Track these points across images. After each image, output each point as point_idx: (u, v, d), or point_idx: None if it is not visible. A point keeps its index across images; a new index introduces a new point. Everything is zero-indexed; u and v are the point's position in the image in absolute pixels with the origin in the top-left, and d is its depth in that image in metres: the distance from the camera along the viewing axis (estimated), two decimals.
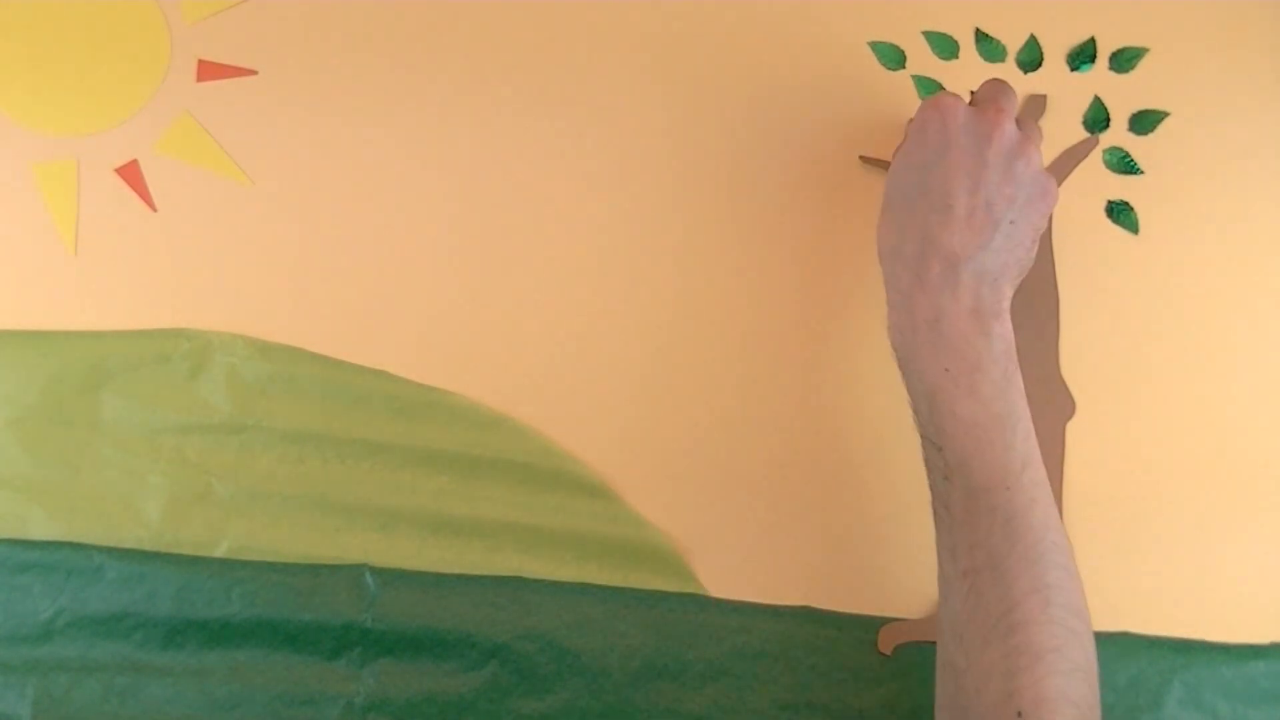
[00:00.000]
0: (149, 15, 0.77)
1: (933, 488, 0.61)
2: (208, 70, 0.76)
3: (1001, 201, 0.57)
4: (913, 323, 0.57)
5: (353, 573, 0.71)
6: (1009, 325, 0.57)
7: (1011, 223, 0.57)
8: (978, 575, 0.57)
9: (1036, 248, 0.63)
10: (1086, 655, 0.58)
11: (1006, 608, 0.55)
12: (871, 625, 0.71)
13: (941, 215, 0.56)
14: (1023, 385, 0.59)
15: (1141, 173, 0.77)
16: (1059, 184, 0.79)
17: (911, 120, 0.68)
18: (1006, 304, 0.57)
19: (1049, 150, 0.77)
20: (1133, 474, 0.74)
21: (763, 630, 0.71)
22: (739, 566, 0.73)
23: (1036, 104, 0.77)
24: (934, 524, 0.62)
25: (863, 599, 0.72)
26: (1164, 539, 0.74)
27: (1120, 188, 0.77)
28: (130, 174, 0.75)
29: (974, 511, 0.57)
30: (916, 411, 0.59)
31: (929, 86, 0.77)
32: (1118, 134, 0.78)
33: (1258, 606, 0.73)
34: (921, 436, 0.60)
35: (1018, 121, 0.61)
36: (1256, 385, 0.75)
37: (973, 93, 0.69)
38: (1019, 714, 0.53)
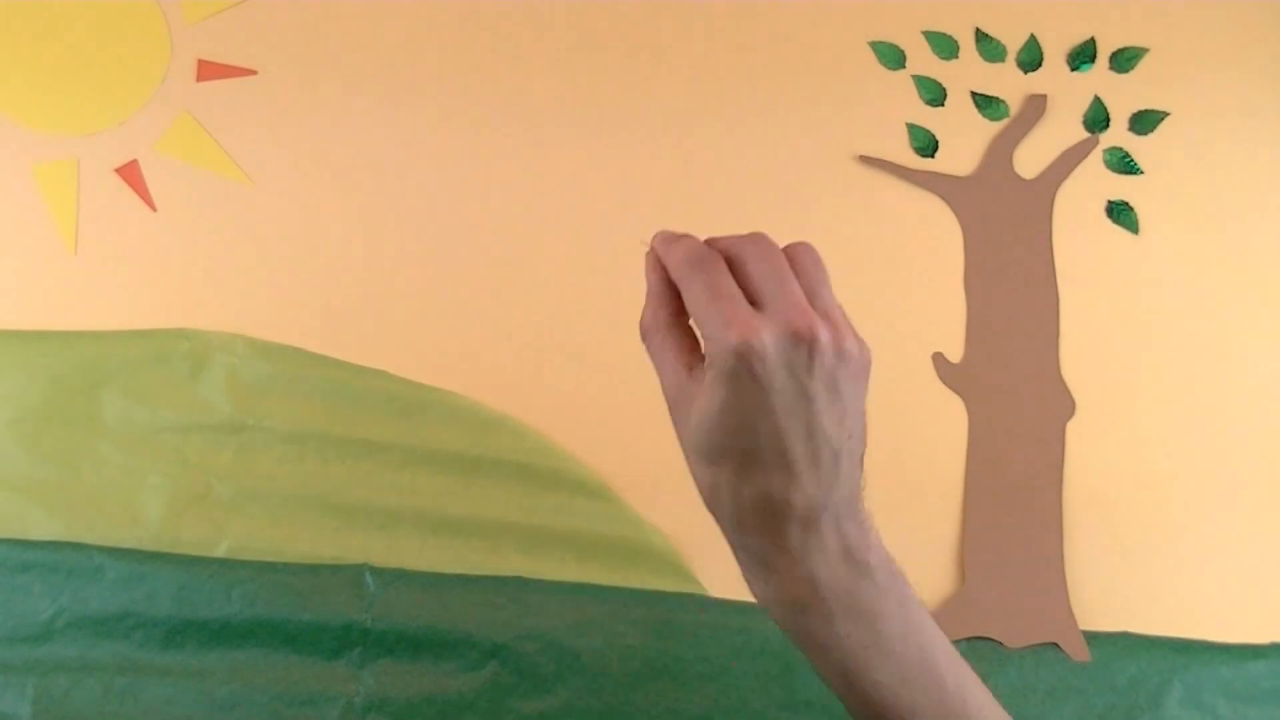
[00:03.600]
0: (149, 15, 0.77)
1: None
2: (208, 70, 0.76)
3: (836, 428, 0.48)
4: (791, 596, 0.49)
5: (353, 573, 0.71)
6: (876, 539, 0.49)
7: (849, 437, 0.49)
8: None
9: (865, 420, 0.51)
10: None
11: None
12: None
13: (782, 475, 0.47)
14: (911, 592, 0.50)
15: (1141, 173, 0.77)
16: (1059, 184, 0.79)
17: (651, 279, 0.55)
18: (865, 516, 0.50)
19: (1049, 150, 0.78)
20: (1133, 474, 0.74)
21: (763, 630, 0.71)
22: (739, 567, 0.73)
23: (1036, 104, 0.77)
24: None
25: None
26: (1164, 539, 0.74)
27: (1120, 188, 0.77)
28: (130, 174, 0.75)
29: None
30: (834, 689, 0.50)
31: (929, 86, 0.77)
32: (1118, 134, 0.78)
33: (1258, 606, 0.73)
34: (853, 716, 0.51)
35: (810, 297, 0.49)
36: (1256, 385, 0.75)
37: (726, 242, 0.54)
38: None
